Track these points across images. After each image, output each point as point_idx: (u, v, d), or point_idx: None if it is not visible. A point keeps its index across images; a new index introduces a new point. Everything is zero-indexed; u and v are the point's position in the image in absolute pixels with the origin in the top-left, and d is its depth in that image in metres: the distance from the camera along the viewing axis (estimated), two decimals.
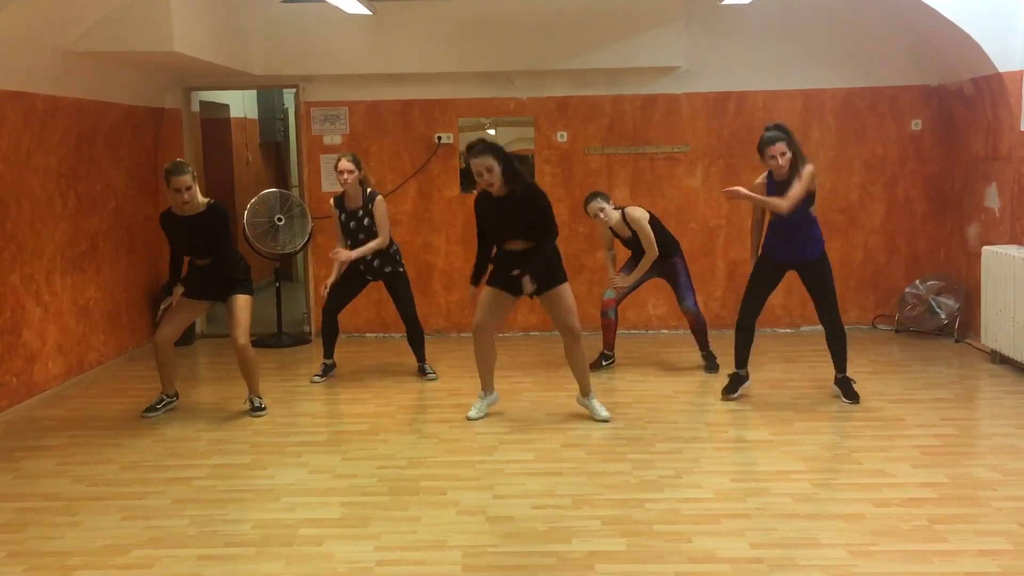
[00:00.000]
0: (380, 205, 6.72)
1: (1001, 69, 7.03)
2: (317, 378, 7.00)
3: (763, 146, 5.76)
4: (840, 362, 6.13)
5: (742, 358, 6.21)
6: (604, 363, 7.15)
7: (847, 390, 6.10)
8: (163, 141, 8.47)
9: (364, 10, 7.39)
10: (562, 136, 8.44)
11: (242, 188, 10.56)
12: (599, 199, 6.75)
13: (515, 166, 5.57)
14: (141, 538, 4.21)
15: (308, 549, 4.07)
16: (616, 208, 6.81)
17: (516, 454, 5.26)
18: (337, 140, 8.50)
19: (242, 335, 5.98)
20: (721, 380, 6.48)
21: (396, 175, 8.49)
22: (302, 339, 8.52)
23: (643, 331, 8.44)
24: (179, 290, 6.06)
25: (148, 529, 4.30)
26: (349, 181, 6.63)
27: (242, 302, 6.01)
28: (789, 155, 5.71)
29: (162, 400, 6.21)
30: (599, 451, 5.29)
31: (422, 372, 7.07)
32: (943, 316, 7.91)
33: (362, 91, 8.44)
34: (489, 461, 5.15)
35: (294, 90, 8.64)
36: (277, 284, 8.74)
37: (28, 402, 6.37)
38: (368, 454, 5.34)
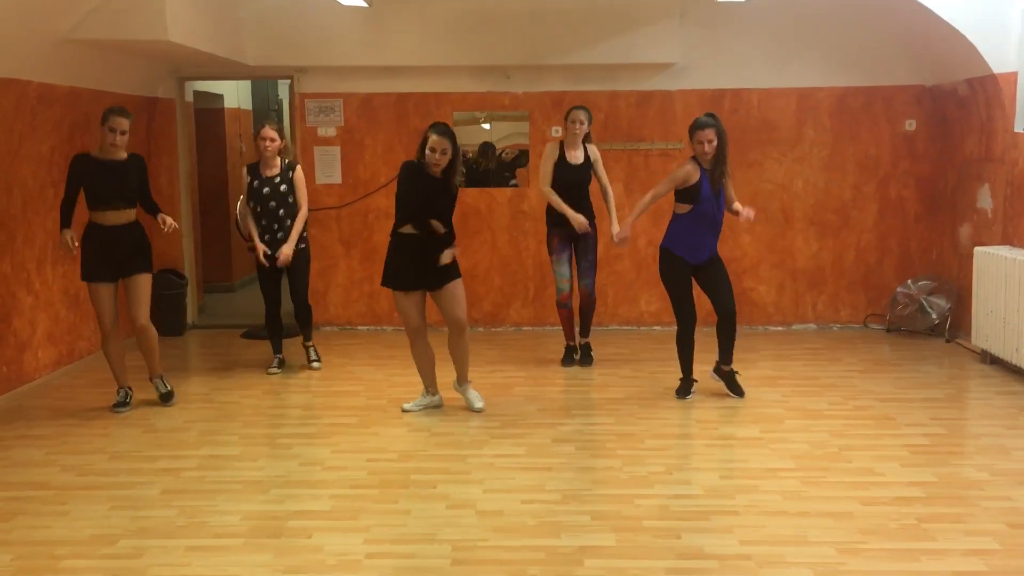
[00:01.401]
0: (300, 174, 6.77)
1: (995, 70, 7.05)
2: (274, 370, 6.98)
3: (694, 129, 5.89)
4: (730, 353, 6.15)
5: (690, 366, 6.22)
6: (576, 357, 7.12)
7: (733, 384, 6.19)
8: (156, 131, 8.43)
9: (360, 2, 7.37)
10: (557, 131, 8.43)
11: (235, 179, 10.50)
12: (585, 112, 6.76)
13: (459, 163, 5.72)
14: (130, 528, 4.20)
15: (297, 541, 4.06)
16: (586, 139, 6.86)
17: (506, 448, 5.26)
18: (331, 132, 8.48)
19: (143, 315, 5.94)
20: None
21: (390, 168, 8.46)
22: (293, 332, 8.48)
23: (635, 327, 8.44)
24: (68, 233, 5.71)
25: (137, 519, 4.30)
26: (271, 149, 6.64)
27: (144, 282, 5.94)
28: (715, 143, 5.85)
29: (126, 395, 6.09)
30: (589, 447, 5.30)
31: (307, 354, 7.12)
32: (934, 316, 7.94)
33: (357, 83, 8.41)
34: (479, 455, 5.15)
35: (289, 81, 8.62)
36: None
37: (18, 391, 6.35)
38: (358, 447, 5.34)
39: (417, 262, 5.68)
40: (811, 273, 8.49)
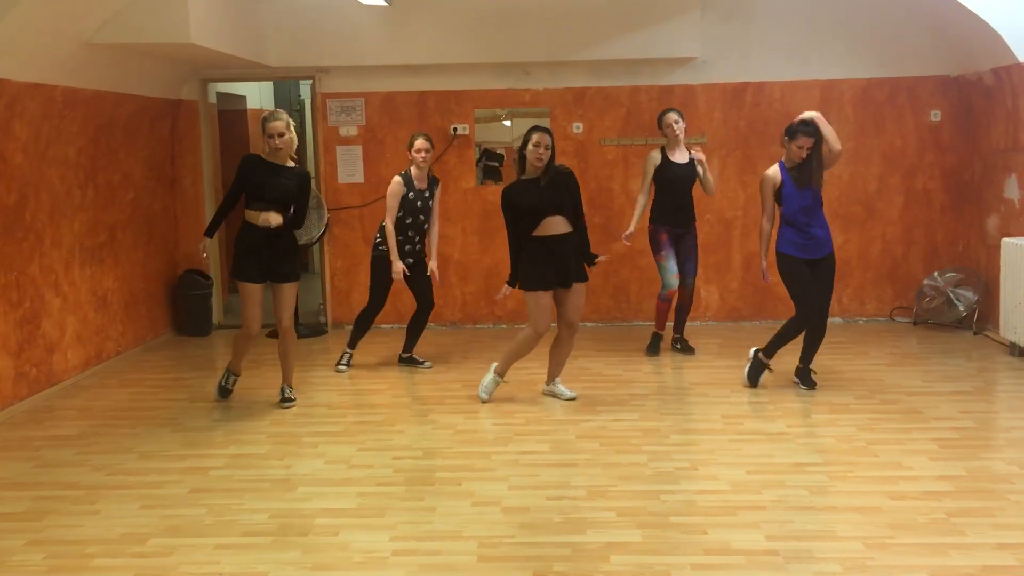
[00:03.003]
0: (438, 187, 6.97)
1: (1021, 59, 6.95)
2: (343, 367, 7.07)
3: (798, 133, 5.92)
4: (810, 355, 6.26)
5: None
6: (661, 344, 7.34)
7: (807, 378, 6.27)
8: (180, 132, 8.50)
9: (380, 1, 7.40)
10: (578, 127, 8.42)
11: None
12: (677, 112, 7.03)
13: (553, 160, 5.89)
14: (159, 527, 4.24)
15: (324, 539, 4.09)
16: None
17: (531, 445, 5.27)
18: (353, 131, 8.52)
19: (287, 318, 6.09)
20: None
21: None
22: (318, 330, 8.55)
23: None
24: (208, 242, 6.09)
25: (166, 518, 4.34)
26: (427, 160, 6.75)
27: (291, 289, 6.08)
28: (811, 151, 5.96)
29: (230, 379, 6.30)
30: (614, 443, 5.29)
31: (415, 361, 7.14)
32: (962, 308, 7.86)
33: (378, 82, 8.44)
34: (504, 452, 5.16)
35: (310, 81, 8.66)
36: None
37: (47, 392, 6.43)
38: (384, 445, 5.36)
39: (546, 263, 5.84)
40: (836, 266, 8.37)
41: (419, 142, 6.73)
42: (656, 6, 7.92)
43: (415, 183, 6.76)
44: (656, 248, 7.12)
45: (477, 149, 8.50)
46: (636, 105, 8.35)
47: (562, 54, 8.10)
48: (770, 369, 6.27)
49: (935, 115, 8.23)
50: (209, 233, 6.12)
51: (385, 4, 7.59)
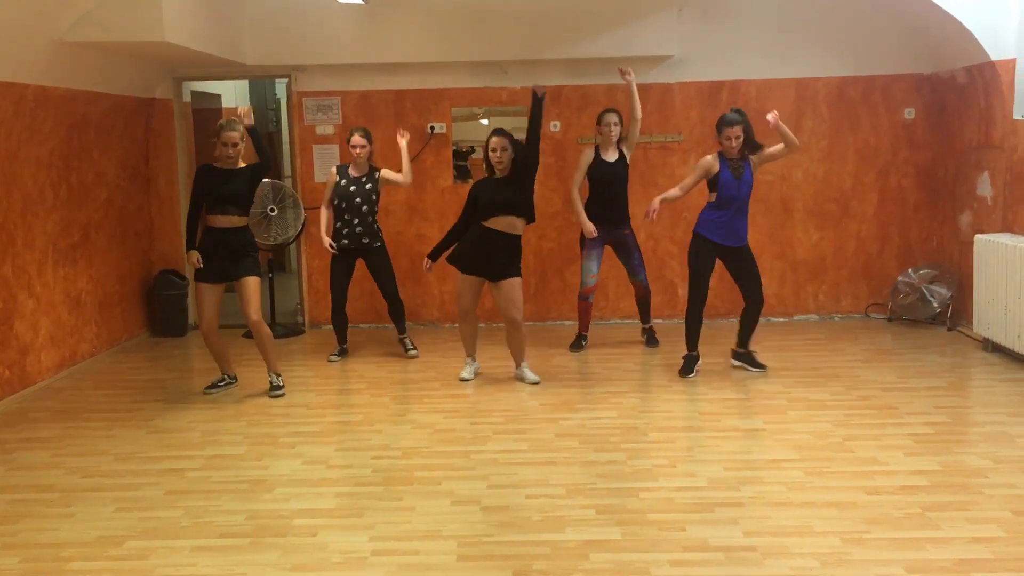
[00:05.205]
0: (387, 170, 7.26)
1: (994, 57, 7.04)
2: (334, 357, 7.37)
3: (722, 126, 6.22)
4: (749, 336, 6.56)
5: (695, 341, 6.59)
6: (583, 344, 7.47)
7: (753, 361, 6.59)
8: (154, 131, 8.43)
9: None
10: (555, 126, 8.43)
11: None
12: (616, 114, 7.17)
13: (520, 153, 6.26)
14: (135, 529, 4.21)
15: (303, 539, 4.07)
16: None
17: (510, 444, 5.27)
18: (330, 130, 8.48)
19: (253, 311, 6.14)
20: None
21: (389, 165, 8.44)
22: (295, 330, 8.51)
23: (636, 321, 8.43)
24: (195, 255, 6.15)
25: (142, 520, 4.30)
26: (362, 155, 7.05)
27: (252, 283, 6.18)
28: (742, 139, 6.21)
29: (223, 379, 6.45)
30: (593, 440, 5.30)
31: (403, 345, 7.47)
32: (936, 305, 7.93)
33: (355, 81, 8.41)
34: (483, 451, 5.15)
35: (286, 80, 8.62)
36: (270, 275, 8.71)
37: (21, 394, 6.36)
38: (362, 444, 5.34)
39: (477, 252, 6.24)
40: (812, 264, 8.49)
41: (354, 138, 7.07)
42: (634, 5, 7.93)
43: (349, 171, 7.12)
44: (581, 245, 7.30)
45: (455, 146, 8.49)
46: (613, 103, 8.32)
47: (539, 52, 8.10)
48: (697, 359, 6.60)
49: (909, 113, 8.30)
50: (190, 245, 6.22)
51: (362, 2, 7.56)
